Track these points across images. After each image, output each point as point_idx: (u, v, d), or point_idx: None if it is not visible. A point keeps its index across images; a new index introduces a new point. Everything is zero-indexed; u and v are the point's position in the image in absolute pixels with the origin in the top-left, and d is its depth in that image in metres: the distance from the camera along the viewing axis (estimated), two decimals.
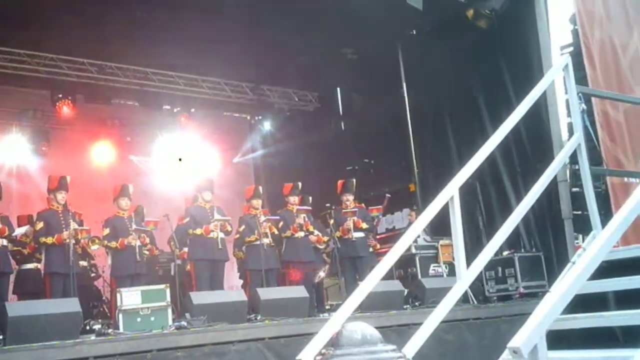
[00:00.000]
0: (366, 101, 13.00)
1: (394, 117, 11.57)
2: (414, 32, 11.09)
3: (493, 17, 9.98)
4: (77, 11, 9.49)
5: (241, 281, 10.26)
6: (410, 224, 9.04)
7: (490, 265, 8.84)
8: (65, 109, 11.44)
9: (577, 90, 5.12)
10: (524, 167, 9.87)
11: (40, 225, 7.87)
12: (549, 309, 3.11)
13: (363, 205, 9.84)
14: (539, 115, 8.81)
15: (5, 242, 7.67)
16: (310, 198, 9.86)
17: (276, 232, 8.83)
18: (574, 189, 8.54)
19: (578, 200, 8.77)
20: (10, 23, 9.69)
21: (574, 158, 5.24)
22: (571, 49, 9.07)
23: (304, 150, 12.90)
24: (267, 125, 13.73)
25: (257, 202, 9.00)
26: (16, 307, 6.13)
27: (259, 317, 6.80)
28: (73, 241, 7.71)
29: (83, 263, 8.97)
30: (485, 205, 10.54)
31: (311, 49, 11.21)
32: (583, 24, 8.12)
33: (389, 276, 6.79)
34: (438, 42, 10.73)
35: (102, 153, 12.36)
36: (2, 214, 7.85)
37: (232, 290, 9.77)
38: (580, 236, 8.86)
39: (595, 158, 6.20)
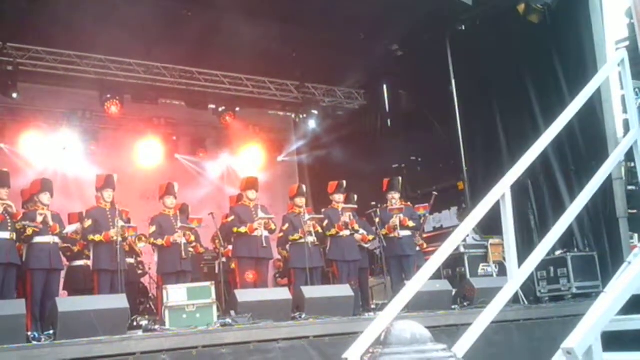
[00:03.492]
0: (413, 98, 12.83)
1: (442, 113, 11.41)
2: (463, 27, 10.90)
3: (545, 11, 9.76)
4: (124, 13, 9.63)
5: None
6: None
7: (542, 265, 8.64)
8: (114, 109, 11.59)
9: (634, 86, 4.94)
10: (578, 165, 9.63)
11: (88, 222, 7.99)
12: (605, 310, 3.02)
13: (410, 203, 9.71)
14: (594, 112, 8.59)
15: (56, 239, 7.82)
16: (356, 196, 9.78)
17: (320, 230, 8.77)
18: (630, 187, 8.31)
19: (634, 198, 8.53)
20: (60, 25, 9.90)
21: (629, 155, 5.06)
22: (627, 43, 8.80)
23: (349, 148, 12.82)
24: (312, 124, 13.64)
25: (300, 201, 8.96)
26: (66, 303, 6.25)
27: (303, 316, 6.77)
28: (120, 239, 7.80)
29: (130, 260, 9.09)
30: (537, 203, 10.32)
31: (357, 46, 11.12)
32: None
33: (436, 276, 6.66)
34: (488, 37, 10.52)
35: (148, 152, 12.50)
36: (54, 211, 8.00)
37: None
38: (636, 235, 8.62)
39: None
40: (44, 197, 7.84)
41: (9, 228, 7.37)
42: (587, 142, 9.45)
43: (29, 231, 7.44)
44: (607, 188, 8.28)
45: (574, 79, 9.24)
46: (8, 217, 7.41)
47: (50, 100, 11.62)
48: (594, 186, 4.28)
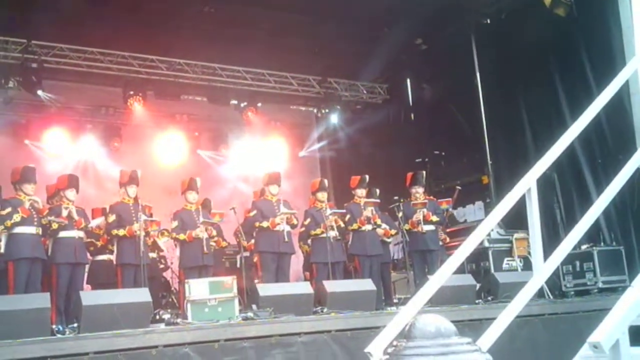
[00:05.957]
0: (437, 92, 12.72)
1: (467, 107, 11.30)
2: (488, 21, 10.77)
3: (572, 3, 9.60)
4: (147, 9, 9.69)
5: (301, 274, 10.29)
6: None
7: (568, 259, 8.53)
8: (136, 105, 11.64)
9: None
10: (605, 158, 9.50)
11: (112, 217, 8.06)
12: (632, 303, 2.96)
13: (433, 197, 9.63)
14: (621, 104, 8.44)
15: (81, 234, 7.90)
16: (378, 191, 9.72)
17: (342, 225, 8.74)
18: None
19: None
20: (83, 22, 10.00)
21: None
22: None
23: (371, 142, 12.75)
24: (334, 118, 13.59)
25: (322, 195, 8.92)
26: (90, 296, 6.30)
27: (325, 310, 6.74)
28: (143, 233, 7.85)
29: (152, 255, 9.13)
30: (563, 197, 10.21)
31: (380, 40, 11.05)
32: None
33: (460, 270, 6.61)
34: (513, 31, 10.39)
35: (171, 148, 12.53)
36: (78, 207, 8.08)
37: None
38: None
39: None
40: (70, 193, 7.93)
41: (35, 223, 7.47)
42: (614, 135, 9.30)
43: (55, 226, 7.54)
44: (634, 182, 8.10)
45: (601, 71, 9.08)
46: (34, 212, 7.50)
47: (74, 96, 11.70)
48: (621, 180, 4.19)
